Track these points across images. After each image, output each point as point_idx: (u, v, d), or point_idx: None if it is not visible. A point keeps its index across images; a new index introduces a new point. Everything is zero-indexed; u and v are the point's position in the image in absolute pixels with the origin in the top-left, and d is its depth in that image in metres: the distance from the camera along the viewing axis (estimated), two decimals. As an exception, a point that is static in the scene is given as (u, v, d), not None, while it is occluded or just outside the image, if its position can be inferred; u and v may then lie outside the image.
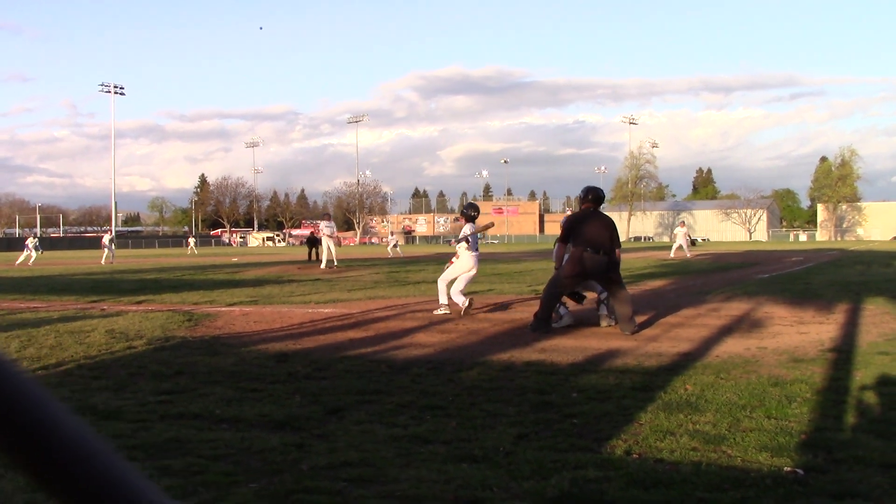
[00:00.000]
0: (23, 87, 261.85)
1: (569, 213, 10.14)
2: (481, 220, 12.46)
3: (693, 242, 39.43)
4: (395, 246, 47.65)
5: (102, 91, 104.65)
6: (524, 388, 6.06)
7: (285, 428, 4.93)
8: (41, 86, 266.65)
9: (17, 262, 38.75)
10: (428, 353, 7.93)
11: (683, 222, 39.82)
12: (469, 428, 4.84)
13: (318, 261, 31.66)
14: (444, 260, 13.93)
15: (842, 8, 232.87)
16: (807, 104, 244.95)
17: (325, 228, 29.75)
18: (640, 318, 9.82)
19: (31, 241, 41.64)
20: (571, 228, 9.83)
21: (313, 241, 34.29)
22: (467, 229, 11.95)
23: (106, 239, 41.06)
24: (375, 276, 22.05)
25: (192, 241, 69.26)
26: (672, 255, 36.43)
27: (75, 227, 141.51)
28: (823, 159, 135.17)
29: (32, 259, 40.04)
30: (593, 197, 9.98)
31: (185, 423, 5.05)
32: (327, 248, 29.31)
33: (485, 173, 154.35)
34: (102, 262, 38.80)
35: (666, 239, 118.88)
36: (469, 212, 12.29)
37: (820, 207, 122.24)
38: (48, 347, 8.47)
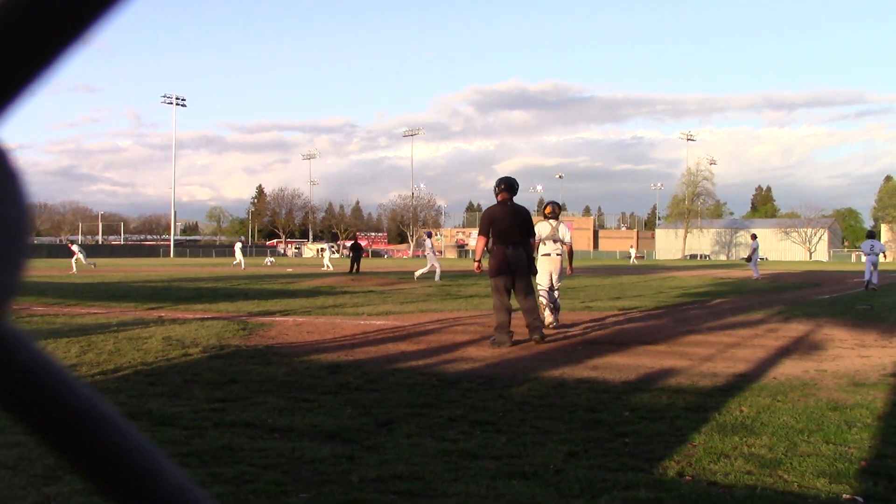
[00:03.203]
0: (89, 97, 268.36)
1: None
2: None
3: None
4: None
5: (165, 102, 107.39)
6: (575, 405, 6.01)
7: (336, 439, 4.96)
8: (107, 96, 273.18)
9: (234, 264, 42.67)
10: (479, 368, 7.91)
11: (755, 235, 34.00)
12: (519, 444, 4.82)
13: (360, 271, 33.92)
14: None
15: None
16: (874, 122, 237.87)
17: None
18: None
19: (238, 246, 44.35)
20: (491, 222, 9.93)
21: (357, 251, 35.51)
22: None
23: (76, 248, 37.46)
24: (427, 290, 22.10)
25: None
26: (757, 275, 31.41)
27: (136, 235, 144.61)
28: (888, 178, 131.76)
29: (241, 263, 43.30)
30: (506, 187, 10.08)
31: (237, 431, 5.12)
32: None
33: (539, 188, 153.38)
34: (74, 269, 35.49)
35: (723, 257, 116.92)
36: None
37: (884, 228, 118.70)
38: (107, 353, 8.66)
